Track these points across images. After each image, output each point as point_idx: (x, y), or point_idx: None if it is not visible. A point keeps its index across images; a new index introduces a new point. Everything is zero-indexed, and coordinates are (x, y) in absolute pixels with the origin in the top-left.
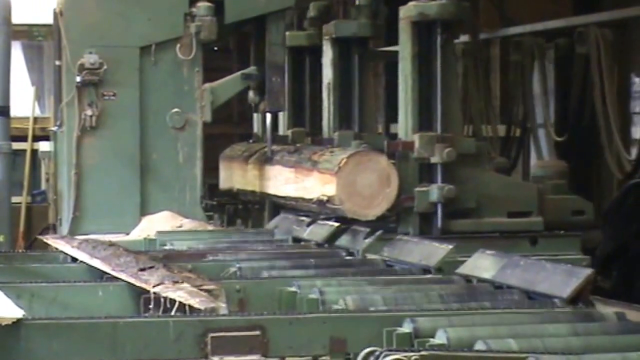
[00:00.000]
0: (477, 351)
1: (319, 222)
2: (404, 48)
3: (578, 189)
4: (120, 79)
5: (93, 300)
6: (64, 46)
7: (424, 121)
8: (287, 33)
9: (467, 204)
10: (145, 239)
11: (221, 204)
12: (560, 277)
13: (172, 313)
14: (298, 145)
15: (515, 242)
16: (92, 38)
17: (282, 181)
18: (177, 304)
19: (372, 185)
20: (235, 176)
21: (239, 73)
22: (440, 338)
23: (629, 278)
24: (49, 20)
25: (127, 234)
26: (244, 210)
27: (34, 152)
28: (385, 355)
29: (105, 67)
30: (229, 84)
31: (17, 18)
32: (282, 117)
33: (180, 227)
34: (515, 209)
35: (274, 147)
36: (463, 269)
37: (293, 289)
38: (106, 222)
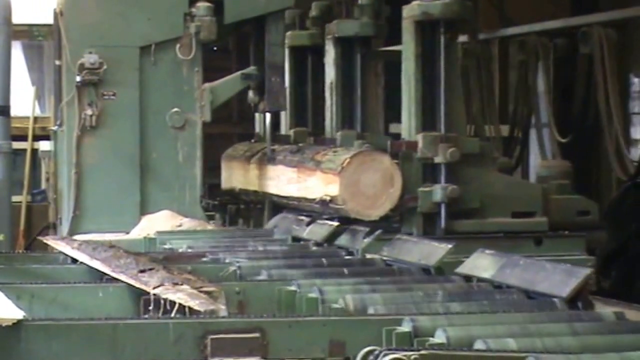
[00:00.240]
0: (477, 350)
1: (319, 221)
2: (408, 48)
3: (578, 189)
4: (120, 78)
5: (93, 302)
6: (64, 46)
7: (427, 121)
8: (289, 33)
9: (471, 204)
10: (145, 238)
11: (223, 204)
12: (560, 277)
13: (172, 315)
14: (300, 145)
15: (519, 243)
16: (92, 38)
17: (285, 181)
18: (176, 305)
19: (376, 185)
20: (237, 176)
21: (238, 73)
22: (439, 337)
23: (628, 278)
24: (49, 20)
25: (127, 233)
26: (245, 210)
27: (34, 151)
28: (385, 355)
29: (105, 67)
30: (229, 83)
31: (17, 18)
32: (284, 116)
33: (179, 226)
34: (519, 209)
35: (276, 147)
36: (462, 269)
37: (292, 288)
38: (106, 222)
